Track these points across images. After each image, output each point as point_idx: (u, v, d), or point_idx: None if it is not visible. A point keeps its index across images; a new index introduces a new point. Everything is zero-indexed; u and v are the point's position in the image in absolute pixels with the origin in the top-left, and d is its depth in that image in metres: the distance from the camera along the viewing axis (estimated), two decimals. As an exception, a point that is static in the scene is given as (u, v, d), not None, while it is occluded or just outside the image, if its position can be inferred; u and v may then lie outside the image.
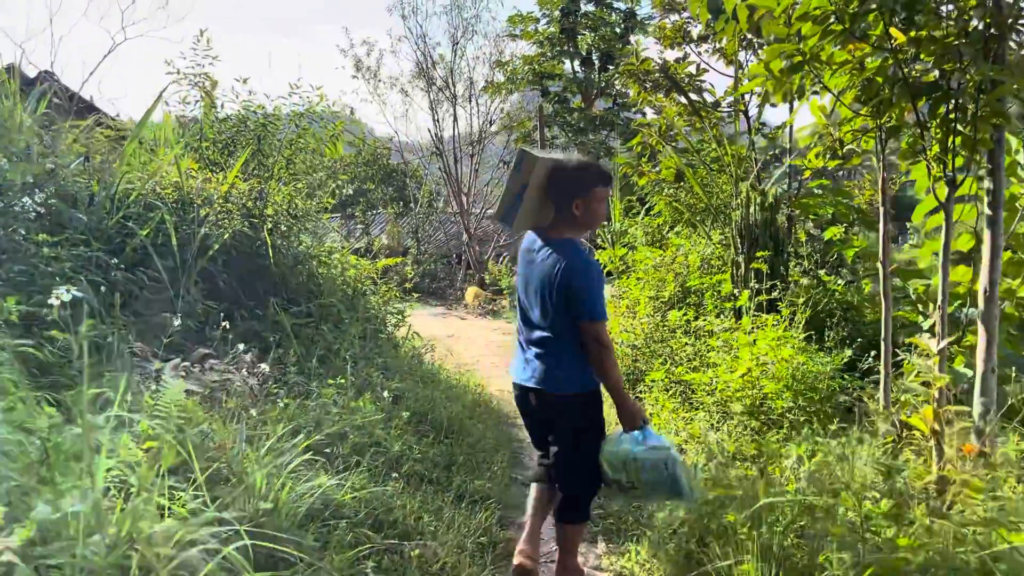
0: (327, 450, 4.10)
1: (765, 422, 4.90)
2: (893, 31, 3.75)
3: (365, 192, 22.17)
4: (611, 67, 18.60)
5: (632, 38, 18.42)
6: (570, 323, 3.08)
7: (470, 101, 19.63)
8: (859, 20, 3.71)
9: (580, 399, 3.20)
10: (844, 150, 4.09)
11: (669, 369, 6.25)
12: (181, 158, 6.71)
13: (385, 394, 4.95)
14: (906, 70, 3.73)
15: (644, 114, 19.76)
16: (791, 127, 9.77)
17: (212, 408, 4.23)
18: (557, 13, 18.94)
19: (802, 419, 4.70)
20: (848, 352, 5.10)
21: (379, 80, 20.27)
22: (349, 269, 7.11)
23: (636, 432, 3.13)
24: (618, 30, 18.80)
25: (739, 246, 6.95)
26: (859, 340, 5.93)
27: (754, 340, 5.35)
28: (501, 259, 18.58)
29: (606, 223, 3.21)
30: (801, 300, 6.08)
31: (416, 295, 17.64)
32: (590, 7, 19.20)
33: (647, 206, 9.98)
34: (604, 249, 9.05)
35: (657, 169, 9.21)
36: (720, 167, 8.97)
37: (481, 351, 10.57)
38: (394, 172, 21.73)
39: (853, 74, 4.08)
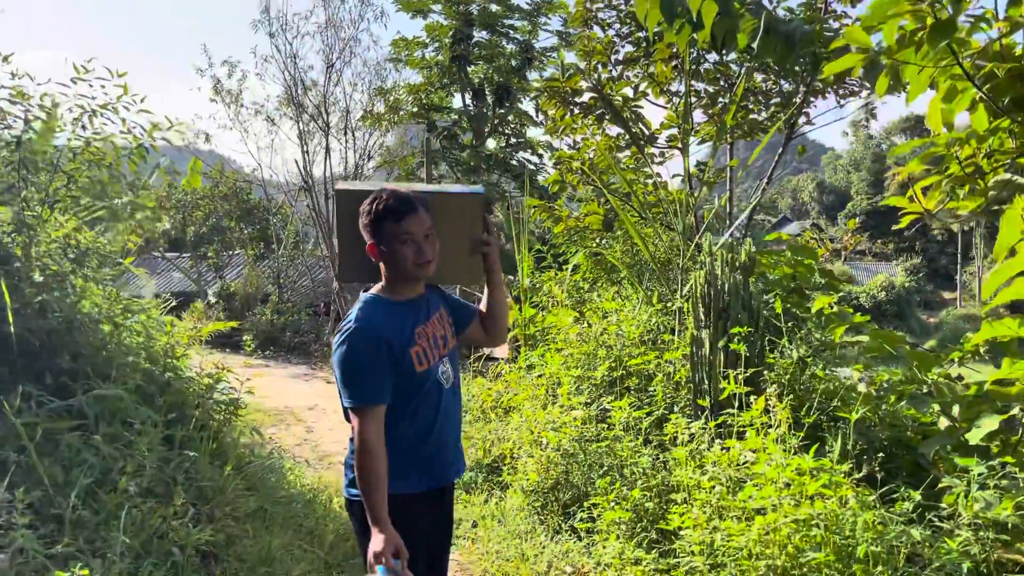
0: None
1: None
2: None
3: (223, 230, 19.54)
4: (507, 103, 17.02)
5: (529, 73, 16.95)
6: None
7: (346, 133, 17.47)
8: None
9: (348, 507, 2.49)
10: (989, 181, 2.39)
11: (621, 493, 4.39)
12: None
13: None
14: None
15: (541, 156, 18.28)
16: (731, 170, 8.36)
17: None
18: (447, 39, 17.17)
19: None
20: (909, 492, 3.37)
21: (241, 105, 17.88)
22: (159, 337, 4.89)
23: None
24: (514, 63, 17.23)
25: (702, 317, 5.24)
26: (879, 455, 4.29)
27: (757, 471, 3.58)
28: (376, 310, 16.36)
29: (425, 263, 1.84)
30: (791, 397, 4.42)
31: (272, 351, 15.22)
32: (484, 35, 17.57)
33: (560, 258, 8.23)
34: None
35: (577, 215, 7.50)
36: (656, 215, 7.34)
37: (351, 433, 8.40)
38: (255, 208, 19.22)
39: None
